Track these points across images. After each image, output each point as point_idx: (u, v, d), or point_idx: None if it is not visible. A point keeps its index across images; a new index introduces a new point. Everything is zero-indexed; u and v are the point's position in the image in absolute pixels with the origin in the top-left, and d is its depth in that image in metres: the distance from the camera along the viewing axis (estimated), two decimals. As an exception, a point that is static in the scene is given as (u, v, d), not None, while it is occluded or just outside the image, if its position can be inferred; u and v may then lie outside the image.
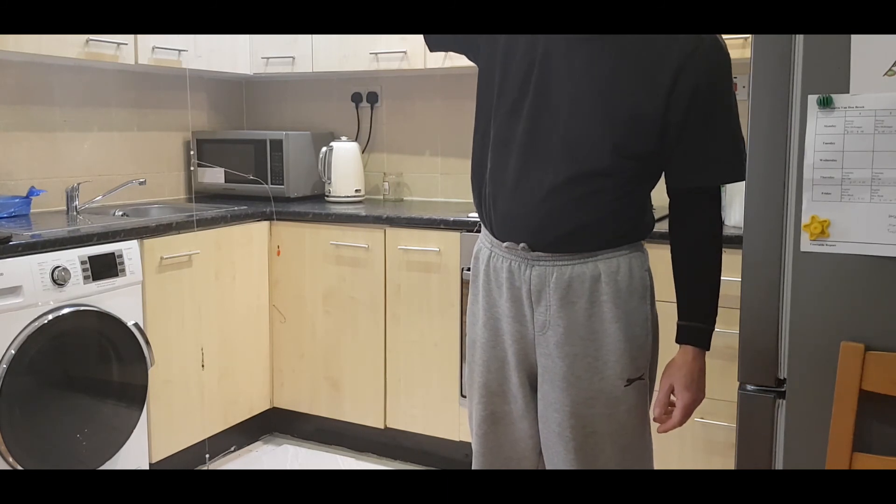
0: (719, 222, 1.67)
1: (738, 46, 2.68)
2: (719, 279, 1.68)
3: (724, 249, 2.44)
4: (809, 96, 1.59)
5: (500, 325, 1.69)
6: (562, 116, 1.55)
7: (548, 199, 1.57)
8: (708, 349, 1.66)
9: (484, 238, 1.73)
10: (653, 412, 1.67)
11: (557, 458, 1.66)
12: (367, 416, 3.17)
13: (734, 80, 2.99)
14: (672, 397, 1.67)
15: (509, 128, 1.60)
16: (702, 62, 1.50)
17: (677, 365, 1.64)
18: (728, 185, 2.62)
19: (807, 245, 1.62)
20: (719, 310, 2.46)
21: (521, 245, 1.62)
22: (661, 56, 1.50)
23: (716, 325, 1.68)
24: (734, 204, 2.60)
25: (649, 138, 1.54)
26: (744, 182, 1.72)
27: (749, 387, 1.74)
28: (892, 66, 1.52)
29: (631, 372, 1.64)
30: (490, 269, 1.69)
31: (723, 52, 1.56)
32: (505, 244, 1.65)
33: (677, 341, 1.65)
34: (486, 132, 1.66)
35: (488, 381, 1.72)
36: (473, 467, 1.80)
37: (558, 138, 1.55)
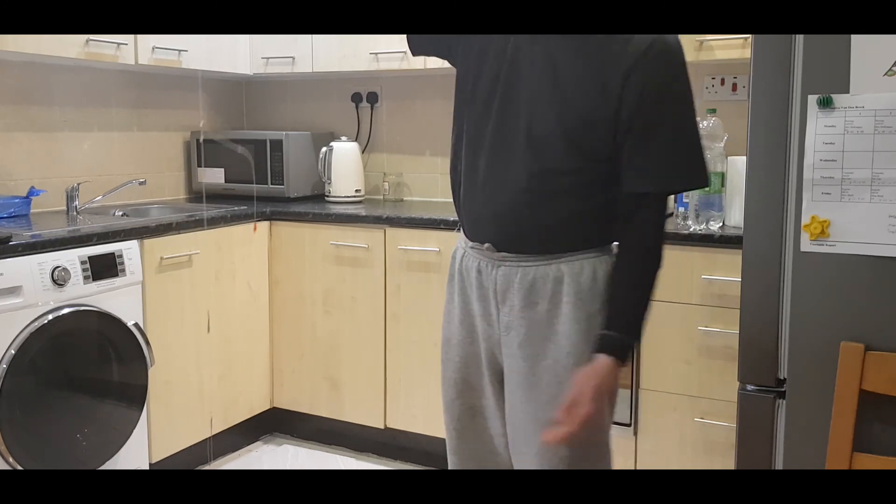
0: (658, 233, 1.59)
1: (738, 46, 2.68)
2: (649, 293, 1.59)
3: (724, 249, 2.46)
4: (809, 96, 1.60)
5: (475, 322, 1.70)
6: (525, 116, 1.55)
7: (511, 199, 1.58)
8: (624, 363, 1.56)
9: (459, 238, 1.75)
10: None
11: (521, 459, 1.66)
12: (367, 416, 3.17)
13: (734, 79, 3.01)
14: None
15: (479, 129, 1.61)
16: (652, 64, 1.47)
17: (590, 370, 1.54)
18: (728, 185, 2.62)
19: (807, 245, 1.62)
20: (719, 310, 2.47)
21: (486, 245, 1.63)
22: (616, 57, 1.48)
23: (636, 342, 1.60)
24: (734, 204, 2.60)
25: (605, 140, 1.52)
26: (744, 182, 1.73)
27: (749, 387, 1.74)
28: (892, 66, 1.53)
29: None
30: (463, 269, 1.71)
31: (674, 54, 1.50)
32: (472, 243, 1.67)
33: (593, 350, 1.56)
34: (460, 133, 1.67)
35: (466, 377, 1.72)
36: (449, 464, 1.79)
37: (523, 138, 1.56)
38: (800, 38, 1.61)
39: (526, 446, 1.64)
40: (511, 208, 1.58)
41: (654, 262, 1.58)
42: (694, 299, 2.53)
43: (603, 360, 1.54)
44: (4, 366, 2.29)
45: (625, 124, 1.49)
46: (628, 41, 1.47)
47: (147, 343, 2.68)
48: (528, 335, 1.61)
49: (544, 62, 1.53)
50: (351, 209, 3.27)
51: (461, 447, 1.76)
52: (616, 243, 1.63)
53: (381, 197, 3.69)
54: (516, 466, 1.69)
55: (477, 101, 1.62)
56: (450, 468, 1.80)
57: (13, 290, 2.32)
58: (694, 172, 1.55)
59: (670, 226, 2.65)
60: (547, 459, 1.61)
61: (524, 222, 1.58)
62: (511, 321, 1.62)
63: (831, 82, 1.58)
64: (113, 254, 2.59)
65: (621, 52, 1.47)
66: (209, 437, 3.04)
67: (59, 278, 2.42)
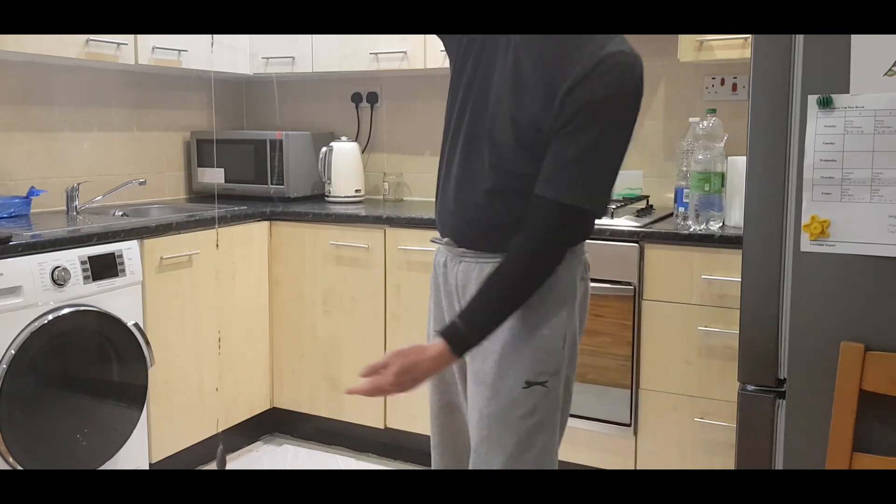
0: (538, 245, 1.53)
1: (738, 46, 2.68)
2: (510, 299, 1.53)
3: (724, 249, 2.46)
4: (809, 96, 1.60)
5: (444, 317, 1.73)
6: (490, 119, 1.58)
7: (472, 197, 1.60)
8: (456, 353, 1.52)
9: None
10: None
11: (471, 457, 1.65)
12: (367, 416, 3.17)
13: (734, 79, 3.01)
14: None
15: (457, 128, 1.64)
16: (596, 81, 1.44)
17: (417, 348, 1.53)
18: (728, 185, 2.62)
19: (807, 245, 1.62)
20: (719, 310, 2.47)
21: (446, 239, 1.67)
22: (567, 70, 1.47)
23: (477, 341, 1.53)
24: (734, 204, 2.60)
25: None
26: (744, 182, 1.73)
27: (749, 387, 1.74)
28: (892, 66, 1.53)
29: (531, 374, 1.57)
30: (436, 264, 1.75)
31: (621, 74, 1.45)
32: (439, 238, 1.72)
33: (436, 330, 1.55)
34: (445, 132, 1.71)
35: (442, 373, 1.73)
36: (432, 459, 1.80)
37: (487, 140, 1.58)
38: (800, 38, 1.61)
39: (473, 442, 1.64)
40: (471, 205, 1.61)
41: (525, 272, 1.53)
42: (694, 299, 2.53)
43: (436, 345, 1.51)
44: (4, 366, 2.29)
45: (555, 130, 1.49)
46: (582, 56, 1.46)
47: (147, 343, 2.68)
48: None
49: (512, 68, 1.55)
50: (351, 209, 3.27)
51: (441, 442, 1.78)
52: (574, 246, 1.62)
53: (381, 197, 3.69)
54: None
55: (456, 101, 1.65)
56: (432, 464, 1.80)
57: (13, 290, 2.32)
58: (591, 195, 1.50)
59: (670, 226, 2.65)
60: (479, 461, 1.61)
61: (481, 220, 1.60)
62: None
63: (831, 82, 1.58)
64: (113, 254, 2.59)
65: (573, 65, 1.46)
66: (208, 438, 3.04)
67: (59, 278, 2.42)
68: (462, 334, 1.51)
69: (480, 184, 1.59)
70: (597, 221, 2.70)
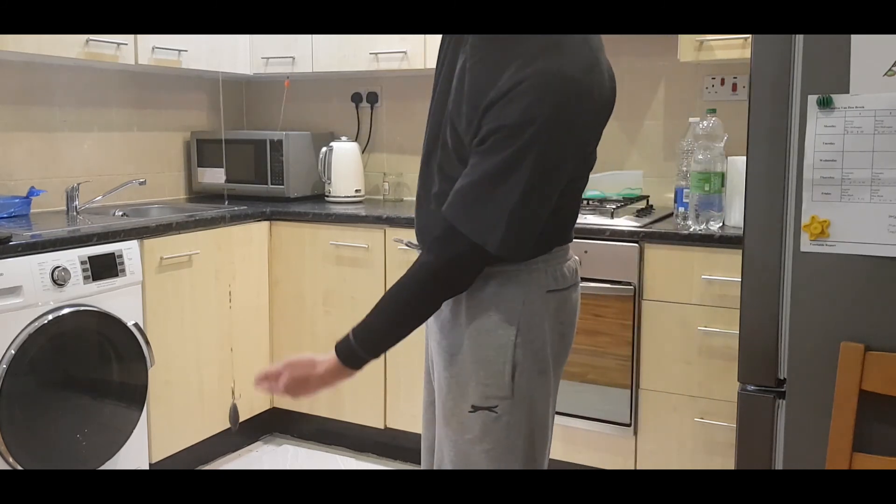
0: (435, 262, 1.44)
1: (738, 46, 2.68)
2: (404, 318, 1.46)
3: (724, 249, 2.46)
4: (809, 96, 1.60)
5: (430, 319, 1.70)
6: (442, 126, 1.53)
7: (424, 200, 1.57)
8: (351, 368, 1.48)
9: None
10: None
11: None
12: (367, 416, 3.17)
13: (734, 79, 3.01)
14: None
15: (426, 127, 1.61)
16: (508, 105, 1.34)
17: (308, 362, 1.51)
18: (728, 185, 2.62)
19: (807, 245, 1.62)
20: (719, 310, 2.47)
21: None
22: (488, 86, 1.39)
23: (372, 357, 1.48)
24: (734, 204, 2.61)
25: None
26: (744, 182, 1.73)
27: (749, 387, 1.74)
28: (892, 66, 1.53)
29: (477, 398, 1.48)
30: None
31: (535, 98, 1.33)
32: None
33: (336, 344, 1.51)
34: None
35: (429, 369, 1.73)
36: (422, 453, 1.79)
37: (439, 146, 1.54)
38: (800, 38, 1.61)
39: (434, 458, 1.62)
40: (424, 210, 1.58)
41: (421, 290, 1.44)
42: (694, 299, 2.53)
43: (328, 360, 1.49)
44: (4, 366, 2.29)
45: (473, 148, 1.42)
46: (505, 72, 1.37)
47: (147, 343, 2.68)
48: (437, 339, 1.58)
49: (460, 76, 1.49)
50: (351, 209, 3.27)
51: (426, 438, 1.77)
52: (537, 258, 1.52)
53: (381, 197, 3.69)
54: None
55: (430, 99, 1.62)
56: (421, 459, 1.79)
57: (13, 290, 2.32)
58: (477, 228, 1.38)
59: (670, 226, 2.65)
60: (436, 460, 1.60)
61: (429, 225, 1.54)
62: (431, 322, 1.60)
63: (831, 82, 1.58)
64: (113, 254, 2.59)
65: (495, 81, 1.38)
66: (209, 438, 3.04)
67: (59, 278, 2.42)
68: (354, 351, 1.47)
69: (432, 187, 1.54)
70: (597, 221, 2.72)
